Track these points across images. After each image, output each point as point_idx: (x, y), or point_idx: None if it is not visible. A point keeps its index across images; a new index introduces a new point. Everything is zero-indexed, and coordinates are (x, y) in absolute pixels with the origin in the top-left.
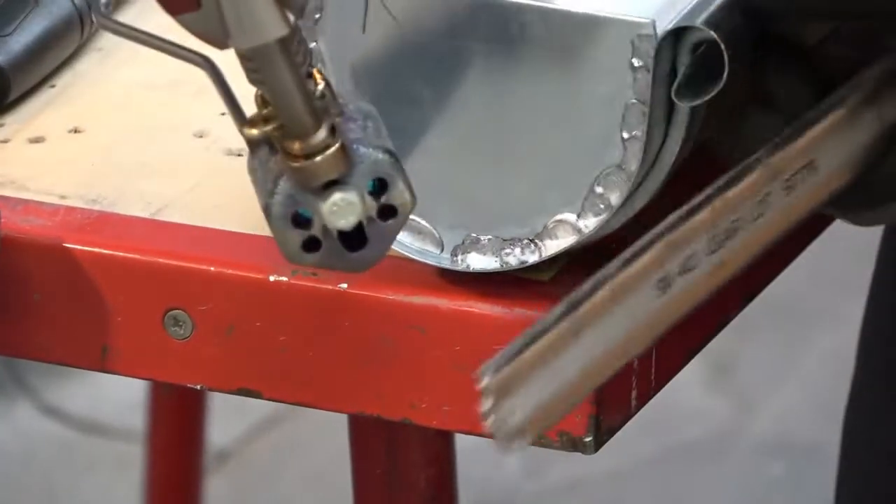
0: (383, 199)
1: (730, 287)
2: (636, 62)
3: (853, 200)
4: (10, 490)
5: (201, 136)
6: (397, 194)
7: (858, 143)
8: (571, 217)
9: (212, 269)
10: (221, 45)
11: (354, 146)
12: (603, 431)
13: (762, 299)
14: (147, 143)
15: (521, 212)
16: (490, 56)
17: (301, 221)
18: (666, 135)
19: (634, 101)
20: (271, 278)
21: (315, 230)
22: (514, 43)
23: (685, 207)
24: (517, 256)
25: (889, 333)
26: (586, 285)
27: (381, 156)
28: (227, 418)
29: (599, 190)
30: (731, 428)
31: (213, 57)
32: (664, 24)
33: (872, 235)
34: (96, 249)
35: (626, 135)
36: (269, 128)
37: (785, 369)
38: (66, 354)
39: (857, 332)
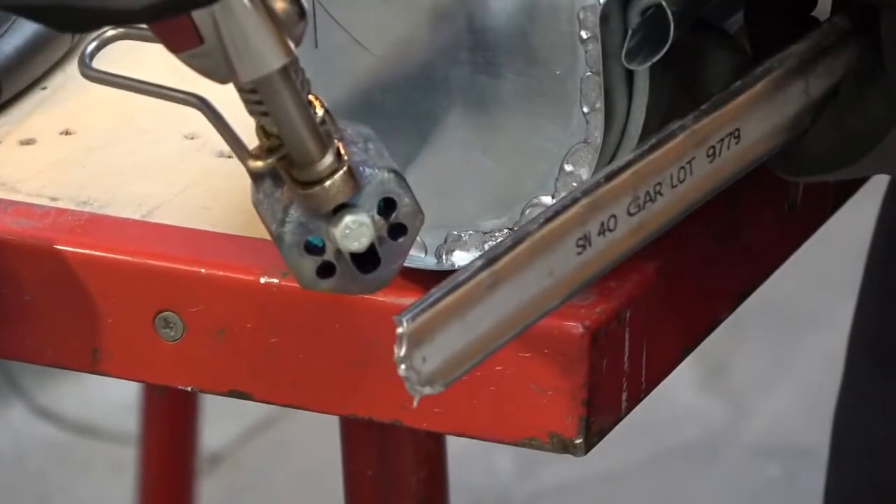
0: (392, 218)
1: (722, 287)
2: (584, 34)
3: (778, 167)
4: (2, 492)
5: (192, 138)
6: (406, 212)
7: (783, 114)
8: (547, 199)
9: (203, 270)
10: (224, 79)
11: (360, 168)
12: (593, 433)
13: (754, 301)
14: (138, 145)
15: (498, 202)
16: (447, 54)
17: (313, 248)
18: (630, 105)
19: (589, 73)
20: (262, 280)
21: (328, 255)
22: (464, 34)
23: (609, 169)
24: None
25: (876, 333)
26: (507, 240)
27: (387, 175)
28: (220, 421)
29: (569, 168)
30: (725, 429)
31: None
32: None
33: (865, 238)
34: (87, 251)
35: (586, 109)
36: (273, 159)
37: (778, 370)
38: (57, 356)
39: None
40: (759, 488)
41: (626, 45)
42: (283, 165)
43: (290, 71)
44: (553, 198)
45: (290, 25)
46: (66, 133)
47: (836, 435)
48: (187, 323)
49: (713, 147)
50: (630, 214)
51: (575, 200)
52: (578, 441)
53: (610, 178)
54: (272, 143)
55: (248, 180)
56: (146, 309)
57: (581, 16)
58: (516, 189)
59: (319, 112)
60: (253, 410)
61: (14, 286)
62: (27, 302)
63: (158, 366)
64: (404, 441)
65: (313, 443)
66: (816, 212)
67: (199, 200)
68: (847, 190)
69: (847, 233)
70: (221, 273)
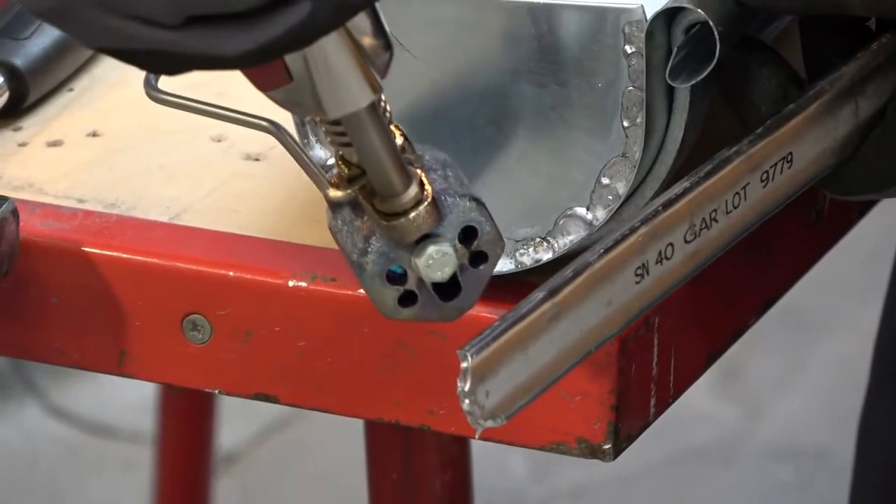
0: (474, 246)
1: (749, 294)
2: (629, 49)
3: (828, 188)
4: (16, 491)
5: (219, 141)
6: (487, 240)
7: (834, 137)
8: (581, 211)
9: (230, 273)
10: (311, 114)
11: (441, 196)
12: (622, 438)
13: None
14: (165, 146)
15: (532, 211)
16: (487, 59)
17: (394, 277)
18: (669, 121)
19: (631, 88)
20: (290, 283)
21: (410, 284)
22: (506, 42)
23: (666, 196)
24: (531, 256)
25: None
26: (567, 271)
27: (468, 203)
28: (236, 421)
29: (606, 181)
30: (740, 432)
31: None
32: (655, 10)
33: (881, 242)
34: (114, 253)
35: (626, 123)
36: (354, 188)
37: (793, 374)
38: (83, 359)
39: (864, 337)
40: (772, 492)
41: (670, 62)
42: (364, 195)
43: (377, 105)
44: (588, 210)
45: (376, 59)
46: (94, 135)
47: (860, 443)
48: (215, 325)
49: (766, 172)
50: (686, 242)
51: (633, 230)
52: (607, 446)
53: (667, 206)
54: (353, 172)
55: (275, 182)
56: (174, 311)
57: (626, 30)
58: (551, 199)
59: (399, 140)
60: (268, 410)
61: (41, 288)
62: (54, 304)
63: (185, 368)
64: (429, 444)
65: (328, 443)
66: (842, 220)
67: (227, 203)
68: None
69: (861, 236)
70: (249, 276)
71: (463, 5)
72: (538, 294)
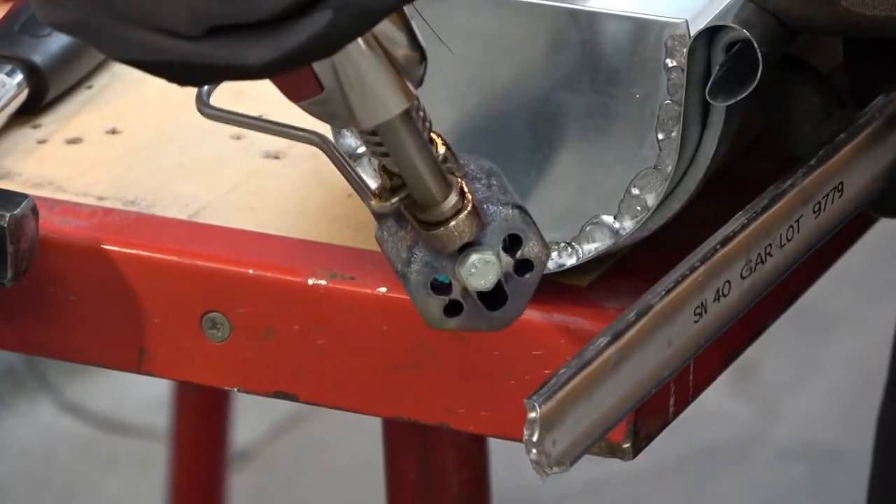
0: (518, 255)
1: (769, 294)
2: (670, 62)
3: (872, 210)
4: (31, 488)
5: (239, 139)
6: (531, 248)
7: (882, 163)
8: (608, 219)
9: (250, 271)
10: (345, 125)
11: (484, 205)
12: (641, 438)
13: None
14: (184, 144)
15: (558, 215)
16: (524, 61)
17: (439, 287)
18: (702, 135)
19: (669, 101)
20: (310, 281)
21: (455, 294)
22: (547, 47)
23: (723, 233)
24: (555, 260)
25: None
26: (630, 315)
27: (511, 212)
28: (250, 417)
29: (636, 191)
30: (754, 431)
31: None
32: (697, 25)
33: (894, 238)
34: (134, 251)
35: (661, 136)
36: (397, 199)
37: (807, 372)
38: (102, 356)
39: (879, 334)
40: (786, 490)
41: (711, 79)
42: (406, 205)
43: (412, 113)
44: (615, 219)
45: (410, 69)
46: (113, 132)
47: (879, 439)
48: (234, 324)
49: (819, 203)
50: (743, 278)
51: (693, 269)
52: (626, 445)
53: (725, 243)
54: (395, 182)
55: (295, 180)
56: (193, 309)
57: (668, 44)
58: (579, 205)
59: (441, 150)
60: (282, 407)
61: (60, 285)
62: (73, 301)
63: (204, 366)
64: (447, 443)
65: (343, 440)
66: (862, 218)
67: (246, 200)
68: None
69: (875, 233)
70: (269, 274)
71: (505, 9)
72: (601, 339)
